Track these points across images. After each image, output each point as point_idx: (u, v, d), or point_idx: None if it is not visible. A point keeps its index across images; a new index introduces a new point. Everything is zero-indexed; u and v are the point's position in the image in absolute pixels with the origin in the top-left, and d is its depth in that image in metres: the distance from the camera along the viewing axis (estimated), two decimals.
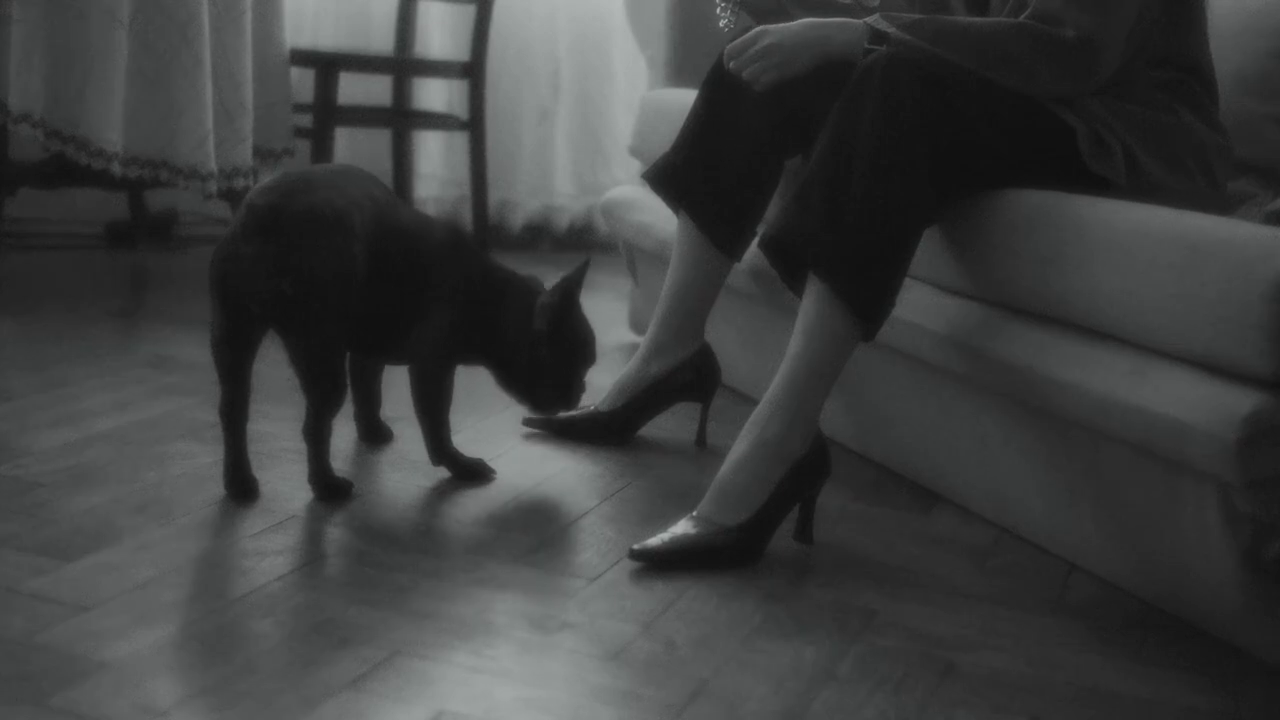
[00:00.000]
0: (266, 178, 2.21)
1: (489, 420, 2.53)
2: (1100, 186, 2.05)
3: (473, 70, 4.07)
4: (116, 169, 3.28)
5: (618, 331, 3.34)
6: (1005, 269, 2.04)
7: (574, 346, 2.23)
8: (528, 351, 2.19)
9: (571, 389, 2.26)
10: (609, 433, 2.46)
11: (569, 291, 2.21)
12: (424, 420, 2.18)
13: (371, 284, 2.01)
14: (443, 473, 2.21)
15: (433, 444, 2.20)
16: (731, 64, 2.24)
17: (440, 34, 4.44)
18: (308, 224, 1.91)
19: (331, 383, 2.00)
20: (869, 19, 2.12)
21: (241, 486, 2.03)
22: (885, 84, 1.96)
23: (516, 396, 2.26)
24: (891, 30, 2.07)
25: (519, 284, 2.21)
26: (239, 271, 1.91)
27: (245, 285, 1.91)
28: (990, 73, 2.03)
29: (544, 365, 2.20)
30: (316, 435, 2.03)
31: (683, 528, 1.95)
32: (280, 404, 2.28)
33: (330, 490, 2.06)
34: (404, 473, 2.21)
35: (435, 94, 4.45)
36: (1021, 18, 2.06)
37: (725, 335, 2.67)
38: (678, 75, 3.23)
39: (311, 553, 1.87)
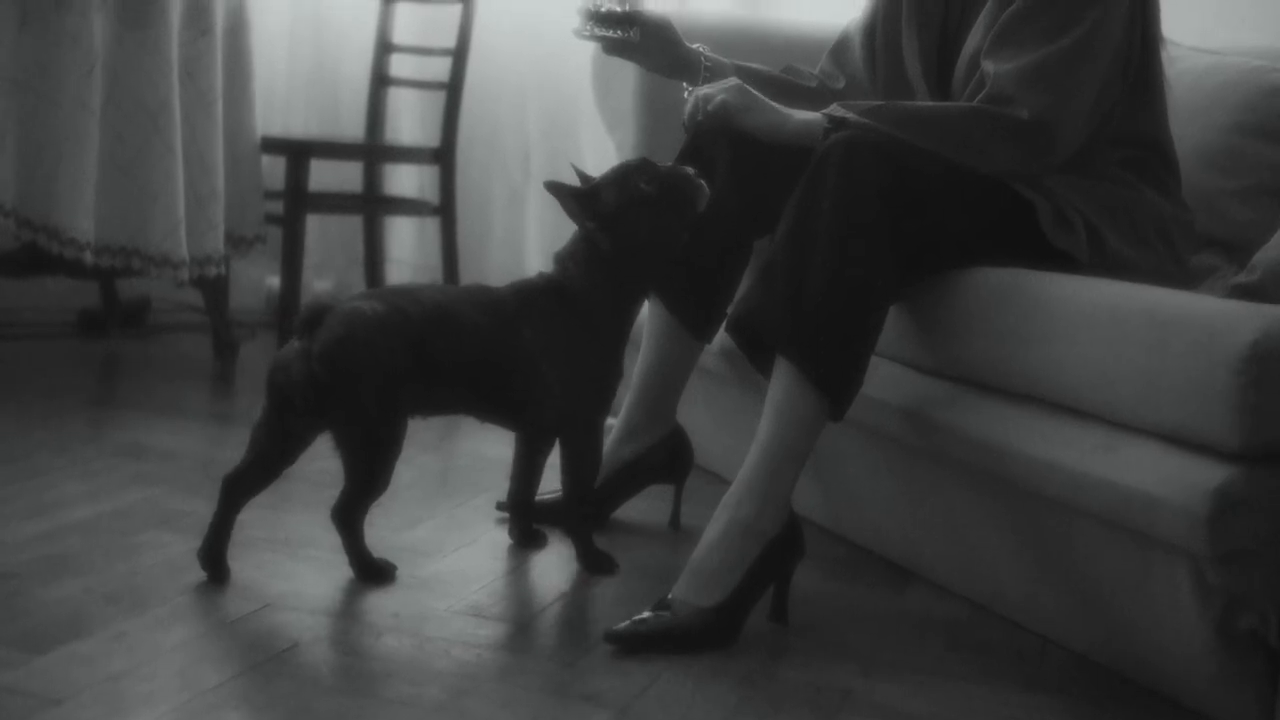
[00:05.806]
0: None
1: (463, 506, 2.53)
2: (1064, 263, 2.07)
3: (443, 155, 4.09)
4: (88, 258, 3.28)
5: None
6: (973, 346, 2.05)
7: (636, 209, 2.26)
8: (610, 253, 2.26)
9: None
10: None
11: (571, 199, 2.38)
12: (565, 480, 2.23)
13: (450, 375, 2.09)
14: (419, 557, 2.19)
15: (568, 507, 2.25)
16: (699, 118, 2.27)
17: (410, 120, 4.46)
18: (347, 321, 2.01)
19: (368, 472, 2.05)
20: (827, 109, 2.15)
21: (214, 566, 2.03)
22: (846, 163, 1.99)
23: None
24: (850, 116, 2.10)
25: (553, 277, 2.27)
26: (284, 365, 2.02)
27: (287, 377, 2.01)
28: (949, 155, 2.06)
29: (631, 237, 2.25)
30: (346, 521, 2.08)
31: (657, 610, 1.94)
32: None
33: (370, 573, 2.09)
34: (380, 556, 2.20)
35: (406, 179, 4.47)
36: (976, 99, 2.09)
37: (698, 417, 2.68)
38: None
39: (286, 640, 1.86)
